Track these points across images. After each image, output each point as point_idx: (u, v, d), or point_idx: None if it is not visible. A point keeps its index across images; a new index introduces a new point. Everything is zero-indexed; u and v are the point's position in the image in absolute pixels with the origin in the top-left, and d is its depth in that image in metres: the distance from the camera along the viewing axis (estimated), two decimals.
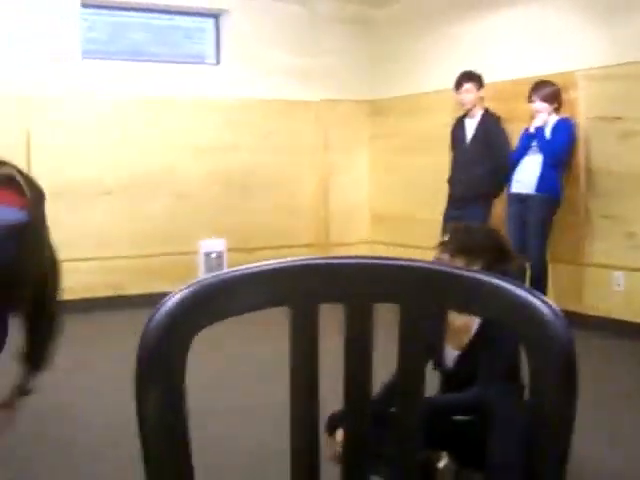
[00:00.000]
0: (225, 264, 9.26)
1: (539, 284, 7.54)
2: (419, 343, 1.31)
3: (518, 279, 4.04)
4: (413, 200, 9.63)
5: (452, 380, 3.94)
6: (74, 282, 8.74)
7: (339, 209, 10.12)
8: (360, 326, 1.33)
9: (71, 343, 7.48)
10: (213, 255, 9.28)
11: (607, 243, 7.60)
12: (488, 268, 3.82)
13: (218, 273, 1.37)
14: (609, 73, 7.55)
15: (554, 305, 1.26)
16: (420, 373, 1.33)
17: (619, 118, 7.45)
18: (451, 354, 3.94)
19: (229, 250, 9.35)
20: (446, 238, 3.95)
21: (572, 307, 7.83)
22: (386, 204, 10.17)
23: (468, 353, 3.86)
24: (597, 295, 7.72)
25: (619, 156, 7.46)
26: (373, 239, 10.30)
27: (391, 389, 3.69)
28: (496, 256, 3.91)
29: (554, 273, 7.90)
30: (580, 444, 4.52)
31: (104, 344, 6.86)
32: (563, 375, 1.20)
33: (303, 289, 1.34)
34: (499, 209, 7.99)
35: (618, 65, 7.46)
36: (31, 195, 3.22)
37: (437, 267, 1.33)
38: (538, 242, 7.56)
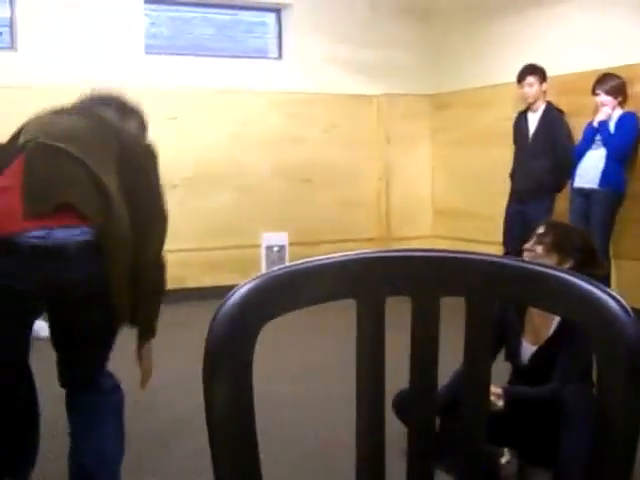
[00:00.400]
0: (287, 258, 9.28)
1: (603, 279, 7.46)
2: (485, 336, 1.31)
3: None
4: (475, 195, 9.57)
5: (525, 375, 3.94)
6: None
7: (401, 203, 10.10)
8: (426, 318, 1.34)
9: (135, 337, 7.55)
10: (275, 249, 9.31)
11: None
12: (577, 269, 3.84)
13: (285, 265, 1.39)
14: None
15: (624, 302, 1.25)
16: (486, 366, 1.34)
17: None
18: (528, 349, 3.93)
19: (291, 244, 9.37)
20: (541, 231, 3.96)
21: (637, 304, 7.74)
22: (448, 198, 10.13)
23: (545, 350, 3.86)
24: None
25: None
26: (434, 233, 10.25)
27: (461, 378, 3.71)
28: (586, 259, 3.93)
29: (618, 269, 7.82)
30: None
31: (169, 337, 6.91)
32: (630, 373, 1.20)
33: (369, 281, 1.36)
34: (562, 204, 7.91)
35: None
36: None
37: (504, 260, 1.33)
38: (602, 237, 7.47)
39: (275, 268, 1.37)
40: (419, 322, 1.34)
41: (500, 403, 3.65)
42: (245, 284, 1.34)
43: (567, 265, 3.87)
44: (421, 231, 10.20)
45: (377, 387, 1.36)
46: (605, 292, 1.25)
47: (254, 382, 1.29)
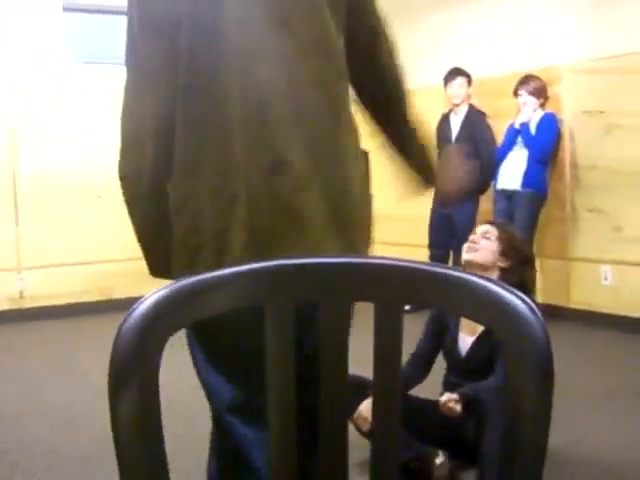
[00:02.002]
0: None
1: None
2: (394, 341, 1.30)
3: (531, 281, 4.13)
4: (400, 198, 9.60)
5: (462, 368, 4.00)
6: (64, 286, 8.75)
7: None
8: (336, 324, 1.33)
9: (62, 348, 7.51)
10: None
11: (594, 237, 7.61)
12: (513, 270, 3.94)
13: (195, 275, 1.37)
14: (593, 67, 7.56)
15: (530, 301, 1.25)
16: (396, 370, 1.32)
17: (603, 112, 7.46)
18: (465, 341, 4.02)
19: None
20: (487, 227, 4.05)
21: (560, 302, 7.86)
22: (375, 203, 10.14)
23: (482, 341, 3.93)
24: (585, 290, 7.73)
25: (604, 150, 7.47)
26: None
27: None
28: (523, 261, 4.02)
29: (541, 268, 7.90)
30: (577, 433, 4.54)
31: (97, 349, 6.84)
32: (539, 374, 1.20)
33: (279, 289, 1.34)
34: (486, 205, 7.99)
35: (601, 59, 7.47)
36: None
37: (413, 265, 1.32)
38: (525, 237, 7.56)
39: (183, 278, 1.35)
40: (329, 328, 1.32)
41: (458, 408, 3.67)
42: (152, 294, 1.31)
43: (506, 263, 3.96)
44: None
45: (288, 396, 1.34)
46: (513, 293, 1.25)
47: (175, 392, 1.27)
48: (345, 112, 2.14)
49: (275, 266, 1.35)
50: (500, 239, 4.00)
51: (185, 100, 1.99)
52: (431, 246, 8.32)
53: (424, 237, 8.33)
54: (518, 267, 3.98)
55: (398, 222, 9.61)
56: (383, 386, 1.34)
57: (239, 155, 1.95)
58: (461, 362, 4.02)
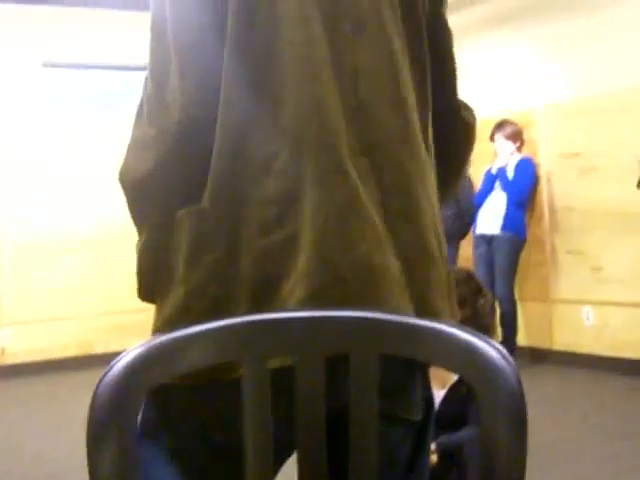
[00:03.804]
0: None
1: (509, 323, 7.57)
2: (370, 392, 1.30)
3: (489, 315, 4.09)
4: None
5: (436, 419, 3.95)
6: (44, 342, 8.70)
7: None
8: (311, 378, 1.33)
9: (42, 403, 7.47)
10: None
11: (574, 279, 7.64)
12: (461, 302, 3.88)
13: (173, 332, 1.37)
14: (567, 110, 7.64)
15: (502, 348, 1.26)
16: (373, 421, 1.32)
17: (578, 154, 7.52)
18: (436, 395, 3.96)
19: None
20: None
21: (544, 344, 7.86)
22: None
23: (453, 393, 3.90)
24: (568, 331, 7.74)
25: (580, 192, 7.53)
26: None
27: None
28: (470, 290, 3.97)
29: (524, 311, 7.93)
30: (561, 475, 4.52)
31: (75, 404, 6.79)
32: (513, 423, 1.20)
33: (254, 344, 1.34)
34: (466, 250, 8.02)
35: (573, 101, 7.56)
36: None
37: (383, 316, 1.33)
38: (506, 281, 7.59)
39: (160, 335, 1.36)
40: (304, 382, 1.32)
41: (434, 458, 3.65)
42: (131, 351, 1.32)
43: (463, 313, 3.90)
44: None
45: (266, 452, 1.34)
46: (486, 342, 1.26)
47: None
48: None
49: (250, 322, 1.35)
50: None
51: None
52: None
53: None
54: (473, 305, 3.94)
55: None
56: (361, 435, 1.34)
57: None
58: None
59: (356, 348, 1.32)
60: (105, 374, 1.28)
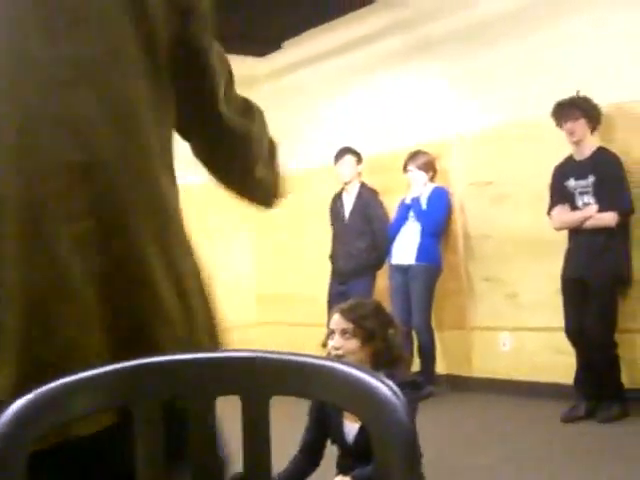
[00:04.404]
0: None
1: (427, 352, 7.62)
2: (262, 432, 1.30)
3: (400, 345, 4.09)
4: (298, 277, 9.64)
5: (352, 454, 3.94)
6: None
7: (223, 292, 10.00)
8: (203, 420, 1.32)
9: None
10: None
11: (490, 305, 7.72)
12: (373, 334, 3.88)
13: (60, 379, 1.35)
14: (476, 139, 7.77)
15: (393, 385, 1.26)
16: (267, 460, 1.32)
17: (491, 183, 7.63)
18: (350, 428, 3.94)
19: None
20: (341, 325, 3.94)
21: (462, 372, 7.93)
22: (271, 284, 10.16)
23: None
24: (485, 357, 7.81)
25: (494, 220, 7.63)
26: (261, 320, 10.24)
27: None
28: (380, 322, 3.97)
29: (441, 340, 7.98)
30: None
31: None
32: (404, 456, 1.20)
33: (142, 389, 1.33)
34: (382, 281, 8.05)
35: (484, 130, 7.66)
36: None
37: (271, 356, 1.33)
38: (423, 311, 7.64)
39: (46, 384, 1.33)
40: (196, 424, 1.32)
41: None
42: (18, 401, 1.29)
43: (373, 347, 3.90)
44: (246, 319, 10.16)
45: None
46: (375, 377, 1.26)
47: None
48: None
49: (139, 365, 1.34)
50: (355, 333, 3.93)
51: None
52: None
53: (322, 316, 8.34)
54: (383, 337, 3.93)
55: (294, 301, 9.63)
56: (255, 475, 1.33)
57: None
58: (349, 448, 3.97)
59: (249, 389, 1.31)
60: None
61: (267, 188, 2.11)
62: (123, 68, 1.65)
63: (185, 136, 1.90)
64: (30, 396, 1.30)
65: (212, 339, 1.73)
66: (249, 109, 2.09)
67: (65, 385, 1.34)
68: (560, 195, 6.44)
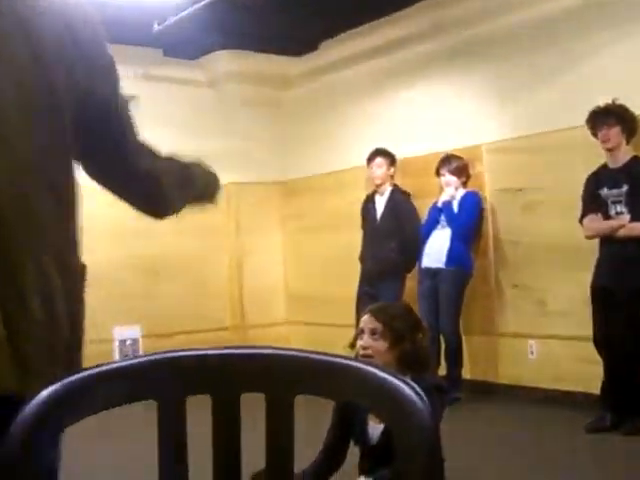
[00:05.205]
0: (141, 351, 9.15)
1: (454, 357, 7.59)
2: (286, 430, 1.30)
3: (428, 349, 4.08)
4: (327, 278, 9.65)
5: (376, 454, 3.91)
6: None
7: (254, 291, 10.07)
8: (227, 416, 1.33)
9: None
10: (128, 342, 9.17)
11: (519, 312, 7.70)
12: (401, 336, 3.87)
13: (84, 369, 1.37)
14: (510, 146, 7.74)
15: (418, 389, 1.26)
16: (290, 460, 1.33)
17: (521, 189, 7.60)
18: (375, 429, 3.91)
19: (144, 337, 9.25)
20: (371, 325, 3.93)
21: (488, 378, 7.90)
22: (301, 283, 10.18)
23: None
24: (512, 364, 7.79)
25: (524, 226, 7.61)
26: (289, 319, 10.27)
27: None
28: (409, 324, 3.96)
29: (469, 345, 7.96)
30: None
31: None
32: (425, 459, 1.21)
33: (168, 382, 1.34)
34: (411, 284, 8.04)
35: (516, 138, 7.65)
36: None
37: (301, 355, 1.33)
38: (451, 316, 7.61)
39: (70, 375, 1.35)
40: (220, 420, 1.33)
41: None
42: (41, 393, 1.31)
43: (401, 350, 3.89)
44: (276, 318, 10.20)
45: None
46: (400, 380, 1.26)
47: None
48: None
49: (161, 359, 1.35)
50: (384, 334, 3.92)
51: None
52: (357, 326, 8.30)
53: (350, 317, 8.33)
54: (411, 339, 3.92)
55: (324, 302, 9.63)
56: (278, 473, 1.34)
57: None
58: (372, 450, 3.95)
59: (273, 387, 1.32)
60: (18, 417, 1.27)
61: (169, 207, 2.33)
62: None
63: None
64: (57, 386, 1.32)
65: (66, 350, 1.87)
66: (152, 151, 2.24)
67: (93, 375, 1.36)
68: (593, 203, 6.38)
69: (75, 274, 1.90)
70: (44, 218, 1.79)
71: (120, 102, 2.05)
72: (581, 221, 6.48)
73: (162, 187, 2.18)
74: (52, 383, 1.46)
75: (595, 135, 6.38)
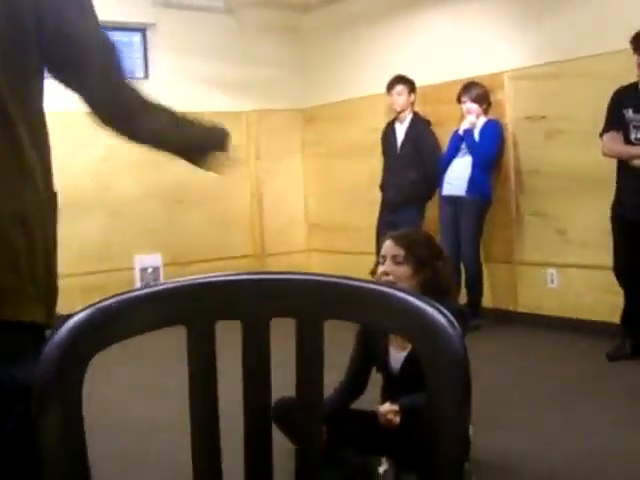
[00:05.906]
0: (162, 279, 9.20)
1: (475, 285, 7.62)
2: (316, 355, 1.31)
3: (448, 277, 4.08)
4: (348, 206, 9.64)
5: (397, 382, 3.94)
6: None
7: (274, 219, 10.09)
8: (257, 341, 1.33)
9: None
10: (149, 270, 9.22)
11: (539, 241, 7.69)
12: (423, 262, 3.87)
13: (116, 294, 1.37)
14: (533, 73, 7.64)
15: (449, 315, 1.26)
16: (319, 384, 1.33)
17: (544, 117, 7.54)
18: (397, 357, 3.93)
19: (165, 265, 9.29)
20: (394, 252, 3.93)
21: (508, 306, 7.92)
22: (321, 212, 10.18)
23: (415, 355, 3.84)
24: (532, 293, 7.80)
25: (546, 155, 7.55)
26: (310, 247, 10.30)
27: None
28: (430, 251, 3.96)
29: (489, 273, 7.97)
30: (518, 441, 4.58)
31: None
32: (456, 386, 1.21)
33: (199, 308, 1.34)
34: (432, 212, 8.03)
35: (540, 65, 7.55)
36: None
37: (330, 280, 1.33)
38: (471, 243, 7.62)
39: (106, 298, 1.35)
40: (250, 345, 1.33)
41: (397, 419, 3.65)
42: (74, 316, 1.32)
43: (423, 277, 3.89)
44: (296, 246, 10.23)
45: (211, 411, 1.34)
46: (433, 306, 1.26)
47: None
48: None
49: (193, 284, 1.35)
50: (406, 260, 3.91)
51: None
52: (378, 253, 8.31)
53: (370, 245, 8.34)
54: (432, 267, 3.92)
55: (344, 230, 9.64)
56: (307, 401, 1.35)
57: None
58: (395, 377, 3.97)
59: (302, 312, 1.32)
60: (51, 337, 1.28)
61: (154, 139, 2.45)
62: None
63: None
64: (90, 310, 1.33)
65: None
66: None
67: (125, 299, 1.36)
68: (616, 121, 6.18)
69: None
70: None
71: (98, 39, 2.15)
72: (602, 135, 6.32)
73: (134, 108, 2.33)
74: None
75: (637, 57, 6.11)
